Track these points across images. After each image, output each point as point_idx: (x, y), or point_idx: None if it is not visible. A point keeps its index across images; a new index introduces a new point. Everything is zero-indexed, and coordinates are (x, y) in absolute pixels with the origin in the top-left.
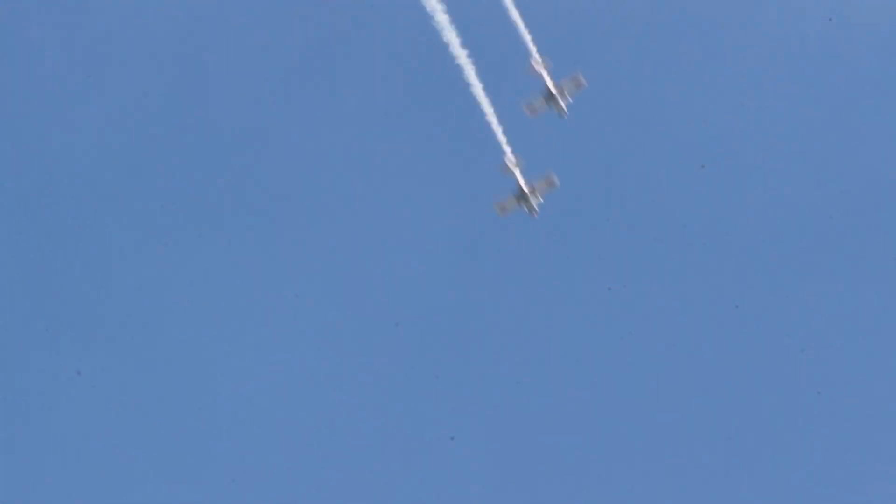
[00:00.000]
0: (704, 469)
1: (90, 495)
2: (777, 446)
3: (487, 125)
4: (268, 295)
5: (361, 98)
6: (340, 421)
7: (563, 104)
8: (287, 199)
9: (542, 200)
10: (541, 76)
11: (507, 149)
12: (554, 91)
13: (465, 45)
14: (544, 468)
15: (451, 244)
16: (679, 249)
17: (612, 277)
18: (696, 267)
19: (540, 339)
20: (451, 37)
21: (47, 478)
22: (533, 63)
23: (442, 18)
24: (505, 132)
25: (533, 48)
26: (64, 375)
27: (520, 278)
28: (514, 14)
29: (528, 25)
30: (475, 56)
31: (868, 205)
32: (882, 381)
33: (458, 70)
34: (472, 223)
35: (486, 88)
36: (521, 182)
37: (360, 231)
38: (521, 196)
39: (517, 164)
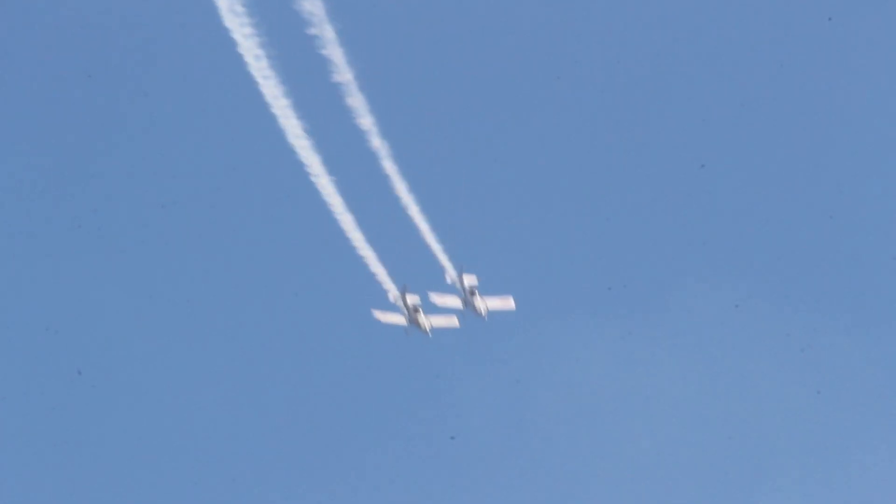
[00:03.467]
0: (705, 471)
1: (90, 495)
2: (777, 446)
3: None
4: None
5: None
6: (339, 420)
7: (482, 312)
8: None
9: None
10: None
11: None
12: (474, 306)
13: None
14: (545, 469)
15: None
16: (678, 247)
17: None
18: (697, 264)
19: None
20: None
21: (48, 478)
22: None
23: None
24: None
25: (448, 265)
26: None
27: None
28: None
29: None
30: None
31: (868, 204)
32: (883, 379)
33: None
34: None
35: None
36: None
37: None
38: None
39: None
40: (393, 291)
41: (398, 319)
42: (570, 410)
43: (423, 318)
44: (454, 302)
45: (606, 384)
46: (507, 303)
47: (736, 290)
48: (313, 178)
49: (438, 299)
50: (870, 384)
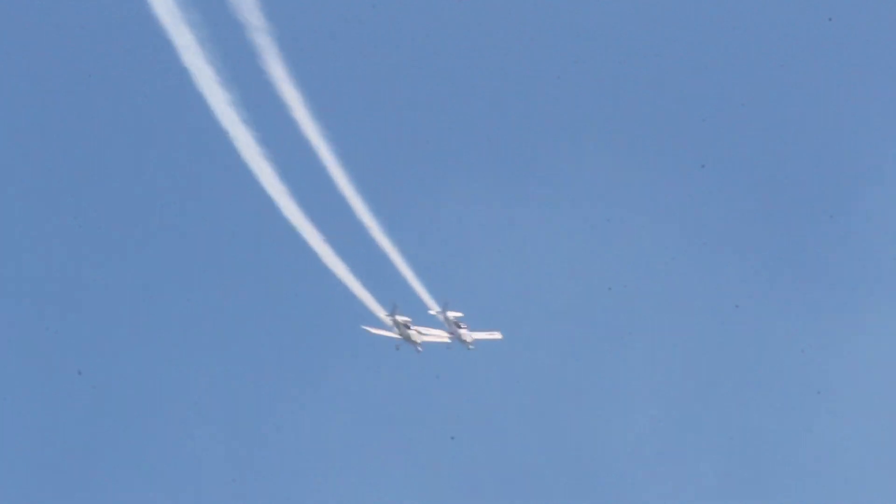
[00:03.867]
0: (705, 471)
1: (90, 496)
2: (777, 445)
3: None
4: (257, 295)
5: None
6: (340, 421)
7: (469, 345)
8: None
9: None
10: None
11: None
12: (461, 338)
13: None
14: (543, 468)
15: None
16: (680, 251)
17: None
18: (697, 266)
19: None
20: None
21: (48, 478)
22: (436, 314)
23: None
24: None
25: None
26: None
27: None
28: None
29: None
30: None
31: (867, 204)
32: (882, 380)
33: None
34: None
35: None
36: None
37: None
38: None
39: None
40: (383, 312)
41: (389, 333)
42: (452, 273)
43: (414, 333)
44: (441, 334)
45: (487, 246)
46: (493, 335)
47: (611, 159)
48: (299, 230)
49: (425, 331)
50: (730, 235)
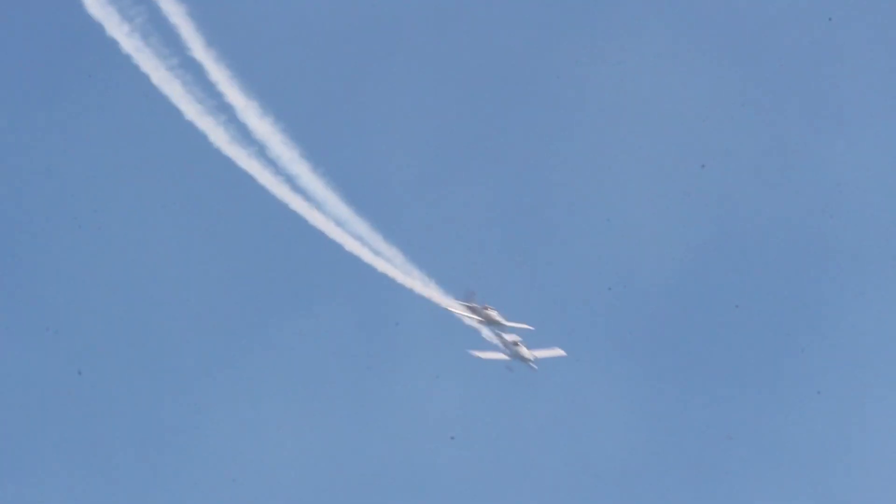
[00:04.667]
0: (704, 470)
1: (90, 496)
2: (776, 446)
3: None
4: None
5: None
6: (341, 419)
7: (532, 363)
8: None
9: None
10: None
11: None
12: (521, 356)
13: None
14: (542, 468)
15: None
16: (677, 245)
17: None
18: (693, 266)
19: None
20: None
21: (47, 478)
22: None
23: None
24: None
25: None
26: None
27: None
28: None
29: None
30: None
31: (867, 205)
32: (882, 381)
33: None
34: None
35: None
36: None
37: None
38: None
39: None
40: (455, 303)
41: (499, 355)
42: None
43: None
44: (498, 355)
45: None
46: (555, 352)
47: None
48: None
49: (483, 355)
50: None
